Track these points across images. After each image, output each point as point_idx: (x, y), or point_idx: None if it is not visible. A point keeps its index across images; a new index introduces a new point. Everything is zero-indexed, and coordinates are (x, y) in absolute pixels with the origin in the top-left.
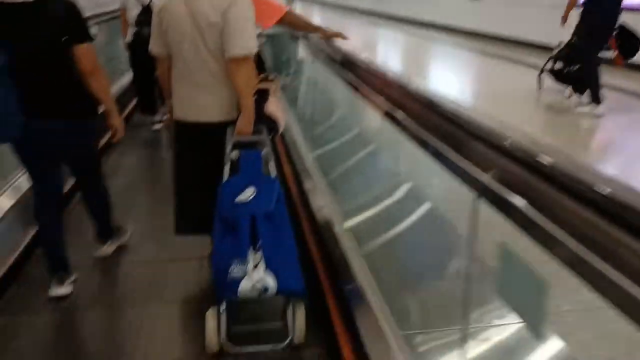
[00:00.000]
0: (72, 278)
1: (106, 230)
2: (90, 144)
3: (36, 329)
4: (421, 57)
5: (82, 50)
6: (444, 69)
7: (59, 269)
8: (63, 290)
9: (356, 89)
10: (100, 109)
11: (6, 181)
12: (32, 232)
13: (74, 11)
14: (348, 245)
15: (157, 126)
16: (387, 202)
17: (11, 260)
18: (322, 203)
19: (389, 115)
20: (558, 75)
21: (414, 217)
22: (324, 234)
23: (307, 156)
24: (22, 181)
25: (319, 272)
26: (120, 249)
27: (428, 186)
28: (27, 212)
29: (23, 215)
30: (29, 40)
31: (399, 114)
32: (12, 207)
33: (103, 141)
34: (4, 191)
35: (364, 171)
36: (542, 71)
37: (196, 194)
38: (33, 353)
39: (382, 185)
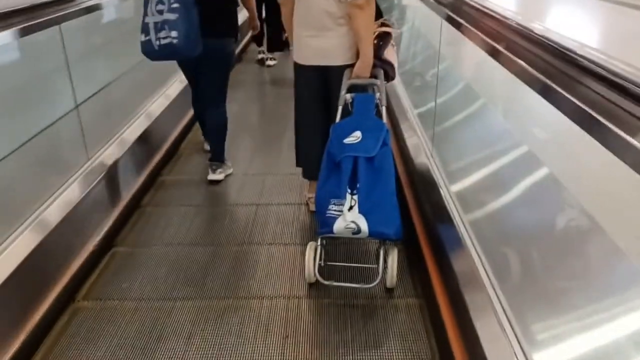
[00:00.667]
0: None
1: (219, 156)
2: (228, 59)
3: (150, 262)
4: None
5: None
6: (558, 12)
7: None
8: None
9: (469, 36)
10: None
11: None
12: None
13: None
14: (448, 197)
15: (261, 55)
16: (497, 163)
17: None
18: (420, 153)
19: (508, 65)
20: None
21: (525, 182)
22: (421, 183)
23: (406, 104)
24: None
25: (414, 219)
26: (223, 194)
27: (548, 149)
28: None
29: None
30: None
31: (522, 63)
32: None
33: None
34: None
35: (467, 125)
36: None
37: (312, 135)
38: (150, 280)
39: (491, 144)
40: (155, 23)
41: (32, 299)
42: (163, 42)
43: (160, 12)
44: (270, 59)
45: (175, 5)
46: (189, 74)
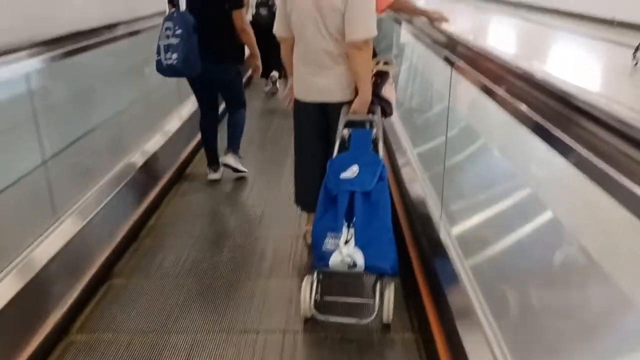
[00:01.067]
0: (221, 169)
1: (234, 146)
2: (237, 81)
3: (146, 294)
4: (530, 41)
5: (236, 14)
6: (548, 50)
7: (213, 162)
8: (216, 175)
9: (465, 76)
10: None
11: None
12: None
13: None
14: (445, 233)
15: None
16: (496, 203)
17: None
18: (419, 190)
19: (509, 108)
20: None
21: (527, 227)
22: (418, 219)
23: (405, 141)
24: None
25: (411, 253)
26: (221, 225)
27: (551, 194)
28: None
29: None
30: (208, 8)
31: (523, 107)
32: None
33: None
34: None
35: (467, 165)
36: (637, 49)
37: (311, 168)
38: (145, 313)
39: (490, 184)
40: (164, 46)
41: (26, 331)
42: (168, 62)
43: (168, 37)
44: (272, 83)
45: (179, 31)
46: (199, 94)
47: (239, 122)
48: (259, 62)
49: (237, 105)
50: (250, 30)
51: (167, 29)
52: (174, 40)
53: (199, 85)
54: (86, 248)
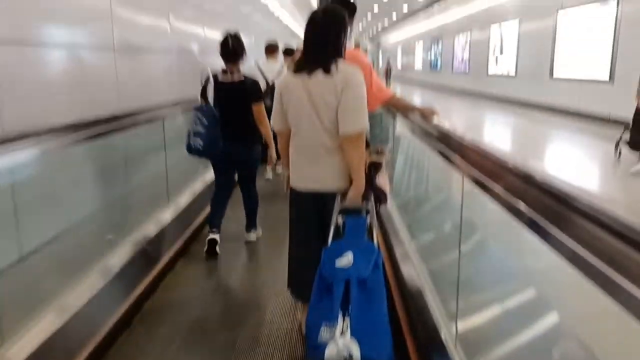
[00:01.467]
0: (219, 232)
1: (251, 223)
2: (255, 162)
3: None
4: (525, 138)
5: (256, 107)
6: (543, 146)
7: (214, 225)
8: (214, 236)
9: (460, 170)
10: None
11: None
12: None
13: (257, 86)
14: (442, 325)
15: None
16: (500, 304)
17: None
18: (413, 273)
19: (507, 207)
20: (631, 144)
21: (531, 331)
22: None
23: (402, 232)
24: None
25: (407, 341)
26: (213, 313)
27: (558, 294)
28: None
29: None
30: (233, 101)
31: (521, 206)
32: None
33: None
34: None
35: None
36: (618, 142)
37: (307, 260)
38: None
39: (490, 284)
40: (193, 132)
41: None
42: (194, 146)
43: (196, 124)
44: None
45: (205, 122)
46: (219, 170)
47: (255, 199)
48: (274, 153)
49: (251, 182)
50: (267, 123)
51: (197, 117)
52: (200, 129)
53: (221, 162)
54: (75, 337)
